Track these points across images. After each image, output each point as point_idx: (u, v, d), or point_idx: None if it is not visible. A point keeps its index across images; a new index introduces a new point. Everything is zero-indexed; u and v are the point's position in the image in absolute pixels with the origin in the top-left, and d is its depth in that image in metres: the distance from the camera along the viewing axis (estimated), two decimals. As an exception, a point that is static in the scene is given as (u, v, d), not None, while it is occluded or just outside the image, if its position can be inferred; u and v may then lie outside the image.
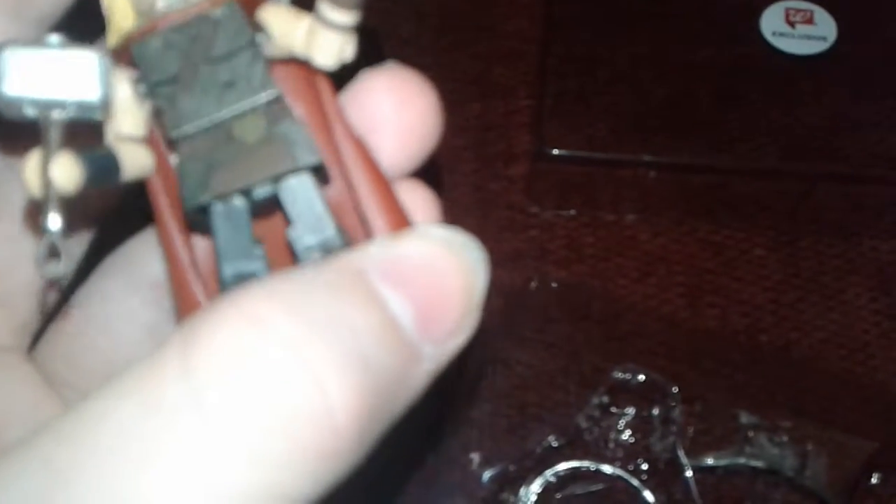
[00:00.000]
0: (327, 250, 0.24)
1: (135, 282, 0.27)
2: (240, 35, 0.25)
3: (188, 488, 0.15)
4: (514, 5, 0.54)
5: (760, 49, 0.50)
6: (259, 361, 0.16)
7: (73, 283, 0.27)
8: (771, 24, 0.51)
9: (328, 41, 0.25)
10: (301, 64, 0.25)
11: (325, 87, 0.26)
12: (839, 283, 0.46)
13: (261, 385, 0.16)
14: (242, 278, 0.24)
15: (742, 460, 0.36)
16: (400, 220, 0.25)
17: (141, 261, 0.27)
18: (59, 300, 0.26)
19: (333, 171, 0.25)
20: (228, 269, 0.24)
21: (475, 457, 0.39)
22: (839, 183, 0.47)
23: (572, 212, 0.48)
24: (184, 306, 0.25)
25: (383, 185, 0.25)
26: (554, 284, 0.44)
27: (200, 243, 0.25)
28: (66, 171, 0.22)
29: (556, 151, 0.46)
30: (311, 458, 0.16)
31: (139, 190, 0.25)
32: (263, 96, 0.25)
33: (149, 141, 0.25)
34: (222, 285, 0.24)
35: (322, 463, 0.16)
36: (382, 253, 0.20)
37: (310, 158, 0.25)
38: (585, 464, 0.37)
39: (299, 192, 0.25)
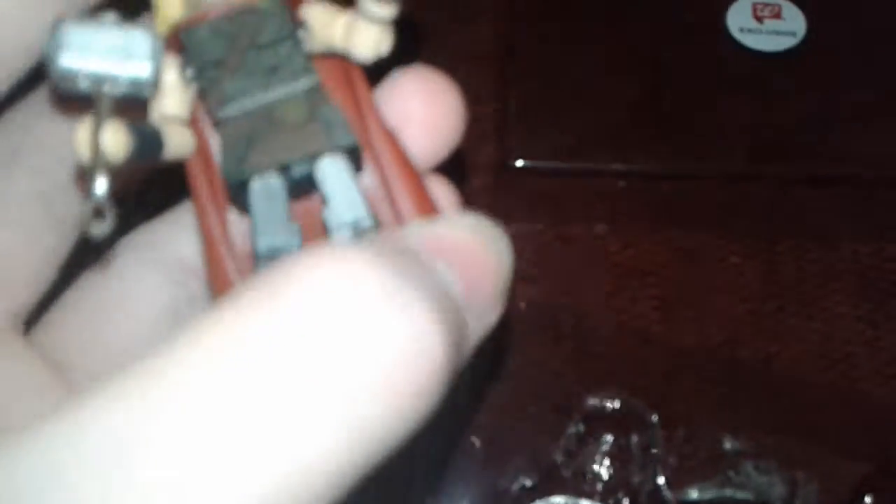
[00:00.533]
0: (358, 230, 0.25)
1: (158, 260, 0.27)
2: (283, 26, 0.27)
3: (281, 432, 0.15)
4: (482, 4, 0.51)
5: (727, 47, 0.48)
6: (359, 303, 0.17)
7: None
8: (737, 20, 0.49)
9: (367, 35, 0.27)
10: (338, 59, 0.27)
11: (359, 81, 0.28)
12: (819, 290, 0.44)
13: (362, 329, 0.17)
14: (277, 252, 0.25)
15: (728, 492, 0.34)
16: (429, 209, 0.26)
17: (165, 239, 0.28)
18: (58, 282, 0.27)
19: (366, 158, 0.27)
20: (264, 242, 0.25)
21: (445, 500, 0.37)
22: (814, 184, 0.46)
23: (539, 225, 0.46)
24: (218, 284, 0.26)
25: (413, 174, 0.27)
26: (522, 304, 0.42)
27: (237, 227, 0.26)
28: (117, 139, 0.23)
29: (520, 163, 0.44)
30: (406, 400, 0.17)
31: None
32: (304, 82, 0.27)
33: (191, 123, 0.26)
34: (257, 259, 0.25)
35: (415, 402, 0.17)
36: (424, 232, 0.21)
37: (346, 139, 0.27)
38: (563, 501, 0.35)
39: (334, 173, 0.26)
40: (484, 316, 0.20)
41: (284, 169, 0.26)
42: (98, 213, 0.22)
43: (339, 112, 0.27)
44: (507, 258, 0.22)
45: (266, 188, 0.27)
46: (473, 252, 0.21)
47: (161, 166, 0.26)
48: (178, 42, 0.26)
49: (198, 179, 0.27)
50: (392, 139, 0.28)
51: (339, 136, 0.27)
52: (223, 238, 0.27)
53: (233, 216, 0.27)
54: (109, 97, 0.24)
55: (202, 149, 0.27)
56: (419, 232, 0.21)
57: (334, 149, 0.26)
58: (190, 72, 0.26)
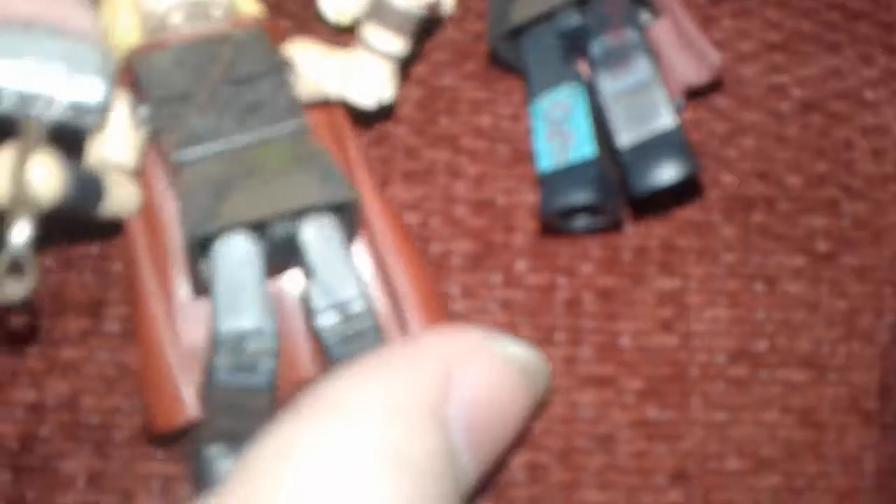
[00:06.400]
0: (347, 315, 0.21)
1: None
2: (266, 59, 0.22)
3: None
4: None
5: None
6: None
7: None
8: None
9: (371, 76, 0.23)
10: (323, 108, 0.23)
11: (349, 135, 0.24)
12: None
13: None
14: (243, 340, 0.20)
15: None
16: (432, 299, 0.23)
17: None
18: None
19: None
20: (228, 324, 0.20)
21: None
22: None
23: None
24: (153, 385, 0.21)
25: (411, 249, 0.23)
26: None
27: (186, 311, 0.22)
28: (49, 176, 0.18)
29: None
30: None
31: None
32: (291, 123, 0.22)
33: (138, 175, 0.22)
34: (217, 345, 0.20)
35: None
36: (461, 392, 0.20)
37: (344, 193, 0.21)
38: None
39: (323, 237, 0.21)
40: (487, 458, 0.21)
41: (262, 227, 0.21)
42: (15, 267, 0.17)
43: (333, 161, 0.22)
44: (539, 398, 0.22)
45: (236, 251, 0.21)
46: (504, 405, 0.21)
47: (93, 222, 0.21)
48: (131, 74, 0.22)
49: (138, 244, 0.22)
50: (386, 204, 0.24)
51: (336, 188, 0.21)
52: (166, 323, 0.22)
53: (182, 293, 0.22)
54: (41, 123, 0.19)
55: (148, 208, 0.22)
56: (455, 393, 0.20)
57: (329, 203, 0.21)
58: (143, 110, 0.22)
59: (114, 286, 0.24)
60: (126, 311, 0.24)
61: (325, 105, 0.24)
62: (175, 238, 0.22)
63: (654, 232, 0.27)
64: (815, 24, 0.29)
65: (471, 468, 0.20)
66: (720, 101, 0.28)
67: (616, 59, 0.23)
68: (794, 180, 0.27)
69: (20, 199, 0.17)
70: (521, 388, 0.21)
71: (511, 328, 0.25)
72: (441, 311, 0.24)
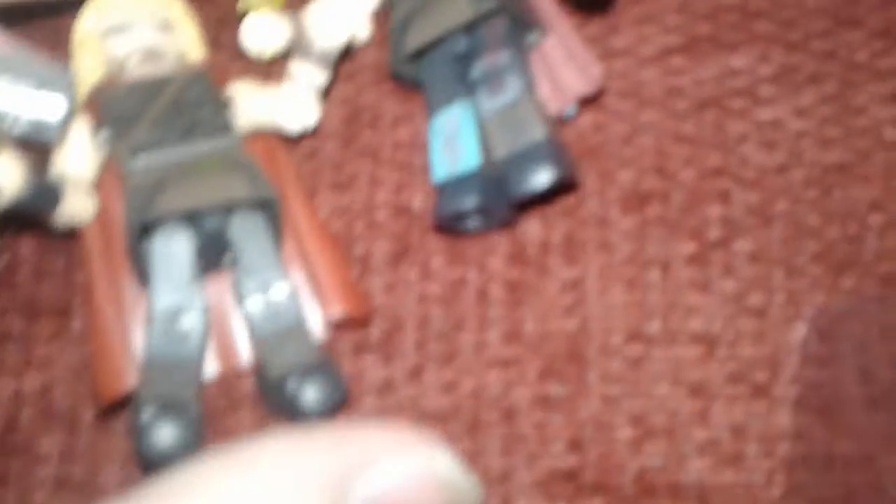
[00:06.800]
0: (272, 298, 0.25)
1: None
2: (207, 92, 0.26)
3: None
4: None
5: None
6: None
7: None
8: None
9: (295, 104, 0.27)
10: (261, 137, 0.27)
11: (283, 157, 0.27)
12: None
13: None
14: (177, 314, 0.24)
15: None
16: (352, 296, 0.26)
17: None
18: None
19: (286, 236, 0.26)
20: (162, 301, 0.24)
21: None
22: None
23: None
24: (99, 354, 0.25)
25: (334, 249, 0.27)
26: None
27: (137, 309, 0.25)
28: (10, 173, 0.22)
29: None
30: None
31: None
32: (227, 140, 0.26)
33: (96, 189, 0.26)
34: (152, 317, 0.24)
35: None
36: (377, 482, 0.20)
37: (267, 190, 0.25)
38: None
39: (250, 229, 0.25)
40: None
41: (194, 219, 0.25)
42: None
43: (260, 169, 0.26)
44: None
45: (171, 238, 0.24)
46: None
47: (53, 228, 0.25)
48: (95, 105, 0.26)
49: (92, 247, 0.26)
50: (313, 210, 0.27)
51: (261, 186, 0.25)
52: (113, 313, 0.25)
53: (130, 293, 0.25)
54: (6, 135, 0.22)
55: (103, 215, 0.26)
56: (373, 480, 0.20)
57: (254, 200, 0.25)
58: (104, 133, 0.26)
59: (78, 293, 0.28)
60: (88, 313, 0.28)
61: (259, 134, 0.28)
62: (123, 243, 0.26)
63: (557, 227, 0.29)
64: (714, 26, 0.31)
65: None
66: (621, 104, 0.31)
67: (492, 79, 0.26)
68: (688, 174, 0.30)
69: None
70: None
71: (425, 319, 0.28)
72: (357, 300, 0.27)
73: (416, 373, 0.28)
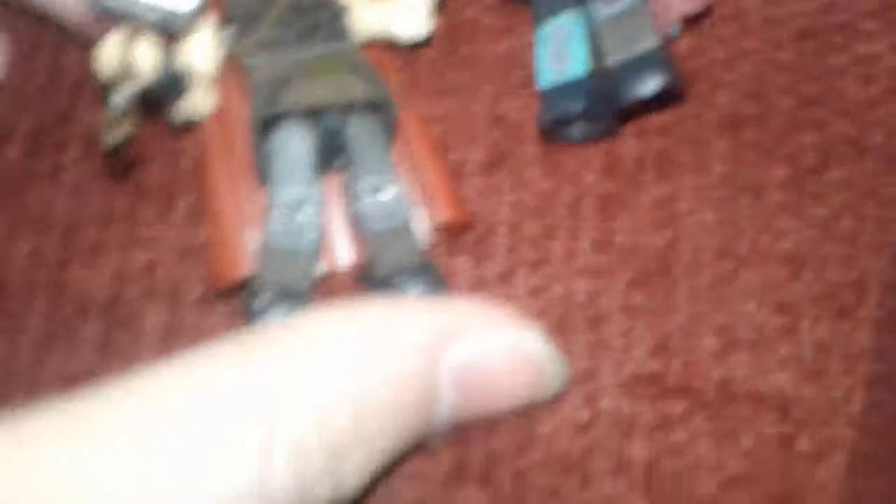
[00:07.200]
0: (383, 201, 0.26)
1: None
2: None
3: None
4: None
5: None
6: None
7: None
8: None
9: (410, 13, 0.27)
10: (373, 49, 0.28)
11: (388, 63, 0.28)
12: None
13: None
14: (296, 206, 0.25)
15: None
16: (455, 202, 0.27)
17: None
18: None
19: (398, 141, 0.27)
20: (279, 194, 0.25)
21: None
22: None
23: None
24: (216, 239, 0.26)
25: (437, 154, 0.27)
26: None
27: (253, 206, 0.26)
28: (149, 54, 0.23)
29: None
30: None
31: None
32: (344, 43, 0.27)
33: (217, 85, 0.26)
34: (271, 208, 0.25)
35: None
36: (468, 349, 0.21)
37: (386, 94, 0.26)
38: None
39: (367, 132, 0.26)
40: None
41: (315, 116, 0.26)
42: (116, 121, 0.22)
43: (378, 73, 0.27)
44: (547, 396, 0.22)
45: (292, 133, 0.25)
46: (508, 388, 0.21)
47: (171, 120, 0.26)
48: (221, 2, 0.27)
49: (211, 143, 0.26)
50: (416, 116, 0.28)
51: (379, 90, 0.26)
52: (231, 202, 0.26)
53: (244, 189, 0.26)
54: (143, 18, 0.23)
55: (222, 112, 0.26)
56: (462, 349, 0.21)
57: (372, 101, 0.26)
58: (226, 32, 0.26)
59: (183, 178, 0.29)
60: (192, 200, 0.29)
61: (371, 43, 0.29)
62: (242, 140, 0.27)
63: (653, 145, 0.30)
64: (815, -40, 0.32)
65: (444, 416, 0.21)
66: (722, 30, 0.31)
67: None
68: (786, 101, 0.30)
69: (124, 73, 0.22)
70: (525, 382, 0.22)
71: (517, 226, 0.29)
72: (460, 206, 0.28)
73: (506, 276, 0.29)
